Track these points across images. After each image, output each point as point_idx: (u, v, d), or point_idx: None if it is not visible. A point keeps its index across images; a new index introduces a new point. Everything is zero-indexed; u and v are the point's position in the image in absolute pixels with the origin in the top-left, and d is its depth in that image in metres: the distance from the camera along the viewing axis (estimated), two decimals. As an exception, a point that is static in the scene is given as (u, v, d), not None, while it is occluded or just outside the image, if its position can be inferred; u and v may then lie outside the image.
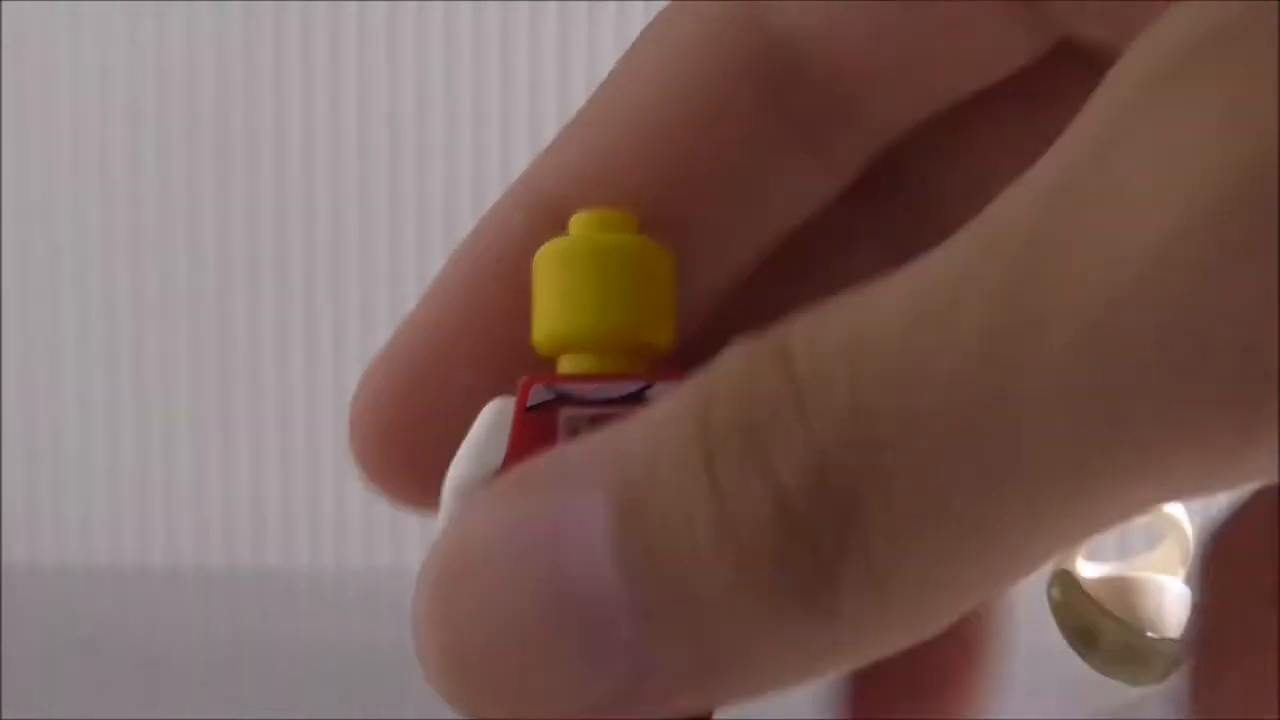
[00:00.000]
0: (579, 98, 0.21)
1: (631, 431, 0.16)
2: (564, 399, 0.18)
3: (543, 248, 0.19)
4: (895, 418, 0.14)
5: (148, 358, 0.64)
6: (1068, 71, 0.20)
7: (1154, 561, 0.40)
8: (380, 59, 0.64)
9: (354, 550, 0.63)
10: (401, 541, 0.62)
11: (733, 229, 0.20)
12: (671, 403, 0.15)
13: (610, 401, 0.18)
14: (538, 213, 0.20)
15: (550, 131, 0.21)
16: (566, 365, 0.19)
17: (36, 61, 0.64)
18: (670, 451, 0.15)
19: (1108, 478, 0.14)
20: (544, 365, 0.19)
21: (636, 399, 0.18)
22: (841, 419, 0.14)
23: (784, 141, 0.20)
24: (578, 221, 0.19)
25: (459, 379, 0.20)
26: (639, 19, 0.58)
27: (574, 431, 0.18)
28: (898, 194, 0.21)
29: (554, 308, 0.19)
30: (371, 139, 0.64)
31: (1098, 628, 0.39)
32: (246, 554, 0.64)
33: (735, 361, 0.15)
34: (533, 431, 0.18)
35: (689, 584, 0.15)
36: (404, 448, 0.20)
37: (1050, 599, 0.40)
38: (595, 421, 0.18)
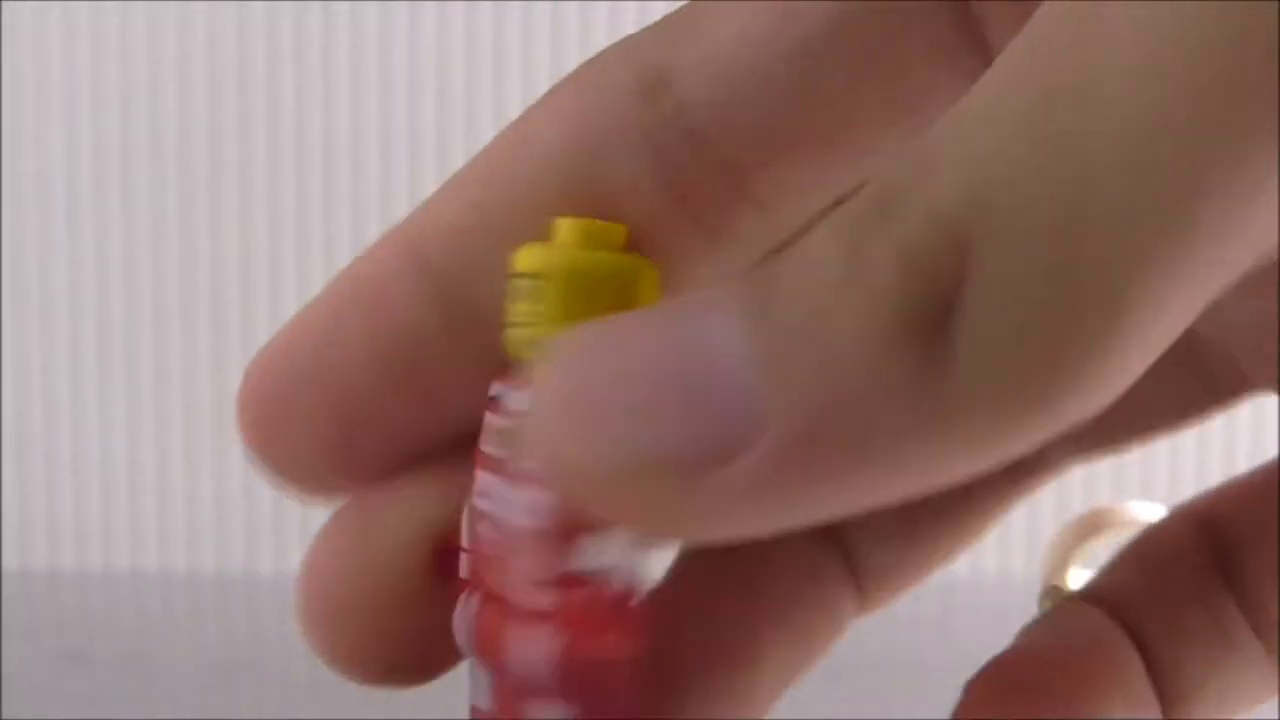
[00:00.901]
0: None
1: (776, 259, 0.16)
2: (497, 399, 0.19)
3: (524, 251, 0.19)
4: (999, 179, 0.15)
5: (141, 363, 0.64)
6: None
7: None
8: (373, 61, 0.64)
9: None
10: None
11: None
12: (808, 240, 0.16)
13: None
14: (409, 263, 0.20)
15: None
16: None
17: (31, 65, 0.64)
18: (808, 242, 0.15)
19: (1176, 231, 0.15)
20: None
21: None
22: (958, 185, 0.15)
23: (676, 217, 0.19)
24: (564, 229, 0.19)
25: (330, 369, 0.20)
26: (631, 19, 0.58)
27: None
28: None
29: (528, 320, 0.19)
30: (365, 140, 0.64)
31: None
32: (239, 559, 0.64)
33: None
34: (488, 415, 0.19)
35: (812, 332, 0.15)
36: (293, 426, 0.20)
37: (1041, 611, 0.40)
38: None
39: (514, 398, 0.19)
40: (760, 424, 0.15)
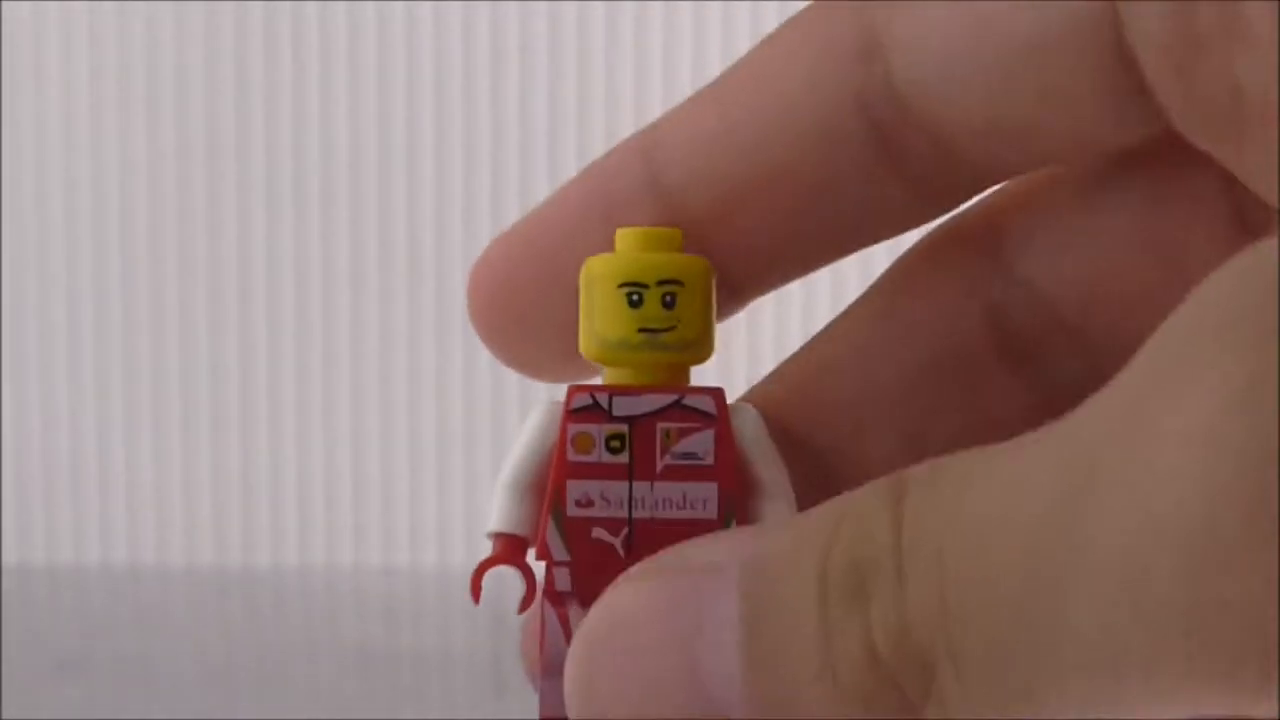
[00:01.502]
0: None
1: (771, 540, 0.17)
2: (598, 406, 0.20)
3: (589, 262, 0.20)
4: (965, 609, 0.16)
5: (139, 360, 0.64)
6: (1173, 161, 0.20)
7: None
8: (371, 61, 0.64)
9: (344, 550, 0.63)
10: (391, 541, 0.62)
11: (805, 235, 0.21)
12: (807, 522, 0.17)
13: (647, 415, 0.20)
14: (642, 169, 0.22)
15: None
16: (610, 376, 0.20)
17: (30, 66, 0.64)
18: (796, 577, 0.17)
19: (1125, 705, 0.15)
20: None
21: (671, 409, 0.20)
22: (926, 597, 0.16)
23: (881, 170, 0.21)
24: (623, 237, 0.20)
25: (566, 263, 0.22)
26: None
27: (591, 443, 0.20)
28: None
29: (599, 324, 0.20)
30: (364, 141, 0.64)
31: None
32: (236, 554, 0.64)
33: (863, 504, 0.17)
34: (576, 426, 0.20)
35: (798, 704, 0.16)
36: (514, 307, 0.22)
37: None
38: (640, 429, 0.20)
39: (625, 404, 0.20)
40: None
